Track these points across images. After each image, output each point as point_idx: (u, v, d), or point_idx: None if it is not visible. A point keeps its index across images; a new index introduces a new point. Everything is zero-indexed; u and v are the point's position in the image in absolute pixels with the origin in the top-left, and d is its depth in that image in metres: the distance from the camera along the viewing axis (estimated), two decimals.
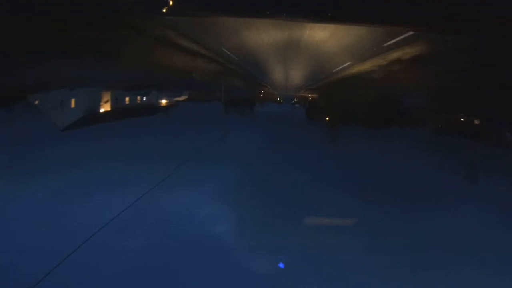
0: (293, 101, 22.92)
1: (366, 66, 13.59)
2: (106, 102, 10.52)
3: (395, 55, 11.41)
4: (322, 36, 10.89)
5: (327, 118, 15.43)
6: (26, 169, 7.22)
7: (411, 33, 9.16)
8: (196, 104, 14.69)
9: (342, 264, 5.26)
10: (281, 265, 5.23)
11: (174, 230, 5.78)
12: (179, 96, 14.44)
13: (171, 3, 9.14)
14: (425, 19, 8.57)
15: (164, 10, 9.21)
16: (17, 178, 6.84)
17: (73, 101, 9.71)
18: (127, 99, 12.09)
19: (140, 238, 5.39)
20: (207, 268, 4.95)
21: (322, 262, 5.30)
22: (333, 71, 16.31)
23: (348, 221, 6.44)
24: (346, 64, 14.29)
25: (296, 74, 19.06)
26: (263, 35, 11.42)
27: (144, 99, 12.90)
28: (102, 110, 10.71)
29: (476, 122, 12.11)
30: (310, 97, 22.76)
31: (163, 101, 13.92)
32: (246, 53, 13.80)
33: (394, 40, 9.88)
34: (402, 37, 9.51)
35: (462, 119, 12.55)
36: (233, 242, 5.66)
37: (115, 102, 10.91)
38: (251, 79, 20.91)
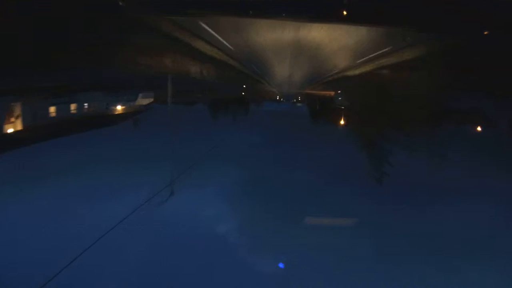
0: (294, 100, 18.97)
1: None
2: (16, 117, 7.99)
3: None
4: None
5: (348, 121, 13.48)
6: (33, 173, 7.47)
7: None
8: (168, 108, 12.15)
9: (343, 264, 5.28)
10: (281, 265, 5.19)
11: (178, 233, 5.97)
12: (141, 98, 11.61)
13: None
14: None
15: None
16: (25, 182, 7.09)
17: None
18: (52, 109, 9.12)
19: (146, 241, 5.61)
20: (209, 268, 5.10)
21: (323, 262, 5.34)
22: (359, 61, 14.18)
23: (350, 221, 6.57)
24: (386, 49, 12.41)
25: (301, 64, 15.80)
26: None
27: (86, 106, 9.86)
28: (8, 130, 7.97)
29: None
30: (321, 94, 19.05)
31: (118, 107, 10.93)
32: (233, 33, 11.71)
33: None
34: None
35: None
36: (235, 242, 5.81)
37: (31, 117, 8.23)
38: (242, 71, 17.58)
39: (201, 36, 11.62)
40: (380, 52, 12.17)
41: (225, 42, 12.44)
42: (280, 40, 11.87)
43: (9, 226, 5.97)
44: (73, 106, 9.57)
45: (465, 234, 6.25)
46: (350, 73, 16.11)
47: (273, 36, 11.39)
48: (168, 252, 5.48)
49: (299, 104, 18.70)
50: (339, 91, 17.01)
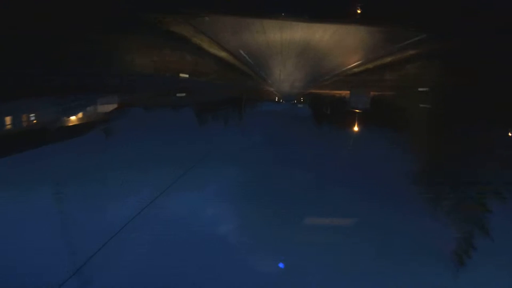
0: (295, 101, 16.64)
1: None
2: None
3: None
4: None
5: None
6: (38, 176, 7.46)
7: None
8: (166, 109, 11.88)
9: (344, 264, 5.32)
10: (281, 265, 5.23)
11: (180, 234, 5.97)
12: (105, 102, 10.59)
13: None
14: None
15: None
16: (30, 184, 7.07)
17: None
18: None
19: (149, 242, 5.67)
20: (210, 268, 5.16)
21: (323, 262, 5.36)
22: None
23: (350, 221, 6.57)
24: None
25: (303, 60, 14.61)
26: None
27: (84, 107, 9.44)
28: None
29: None
30: (329, 94, 17.23)
31: (72, 117, 9.67)
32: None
33: None
34: None
35: None
36: (236, 243, 5.85)
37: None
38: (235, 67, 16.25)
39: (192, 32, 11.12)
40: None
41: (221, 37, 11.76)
42: (278, 36, 11.42)
43: (17, 234, 5.84)
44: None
45: (465, 234, 6.21)
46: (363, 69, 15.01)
47: (270, 31, 10.96)
48: (171, 252, 5.52)
49: (300, 106, 16.87)
50: (356, 90, 15.55)
